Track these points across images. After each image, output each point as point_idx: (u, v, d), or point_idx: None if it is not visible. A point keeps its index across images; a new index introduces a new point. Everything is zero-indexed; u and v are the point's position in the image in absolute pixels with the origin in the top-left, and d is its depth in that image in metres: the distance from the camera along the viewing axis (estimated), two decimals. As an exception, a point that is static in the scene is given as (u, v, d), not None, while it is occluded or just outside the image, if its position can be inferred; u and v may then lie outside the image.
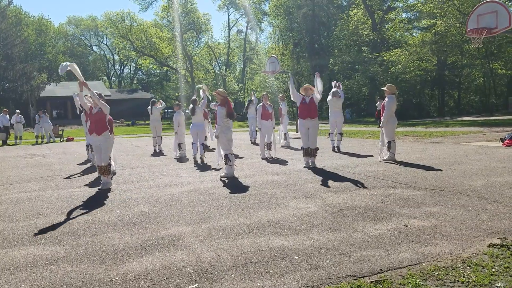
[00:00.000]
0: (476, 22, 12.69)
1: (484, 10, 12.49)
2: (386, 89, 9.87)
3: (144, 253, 4.13)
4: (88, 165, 11.24)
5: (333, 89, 12.07)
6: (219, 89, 8.91)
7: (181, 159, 11.74)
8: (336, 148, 12.26)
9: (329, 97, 12.20)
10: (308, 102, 9.40)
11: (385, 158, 9.75)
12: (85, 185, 8.10)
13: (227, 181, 7.99)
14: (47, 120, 21.33)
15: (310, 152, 9.31)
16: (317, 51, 45.74)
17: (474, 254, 3.82)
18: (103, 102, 7.51)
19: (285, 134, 14.71)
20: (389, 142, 9.73)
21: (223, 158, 8.49)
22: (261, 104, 11.77)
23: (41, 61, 53.79)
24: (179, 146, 12.15)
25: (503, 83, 39.58)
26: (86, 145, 12.48)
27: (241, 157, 11.61)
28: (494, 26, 12.21)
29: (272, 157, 11.21)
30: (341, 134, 12.45)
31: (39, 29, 58.52)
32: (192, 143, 11.13)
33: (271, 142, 11.37)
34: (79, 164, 11.50)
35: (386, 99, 9.76)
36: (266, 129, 11.35)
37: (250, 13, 56.56)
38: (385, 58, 33.20)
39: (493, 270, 3.46)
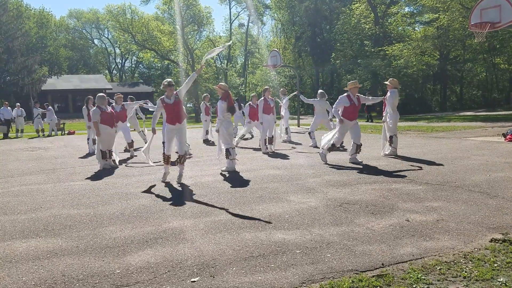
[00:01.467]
0: (479, 16, 12.63)
1: (488, 4, 12.41)
2: (388, 83, 9.82)
3: (146, 246, 4.13)
4: (89, 158, 11.23)
5: (320, 91, 12.28)
6: (220, 83, 8.87)
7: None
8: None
9: (317, 98, 12.24)
10: (357, 103, 8.91)
11: (387, 152, 9.74)
12: (87, 178, 8.10)
13: (228, 175, 7.99)
14: (53, 113, 21.43)
15: (358, 149, 8.97)
16: (319, 45, 45.61)
17: (476, 249, 3.81)
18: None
19: (286, 128, 14.67)
20: (391, 137, 9.71)
21: (224, 152, 8.48)
22: (262, 98, 11.72)
23: (42, 54, 53.63)
24: None
25: (506, 78, 39.44)
26: (87, 138, 12.49)
27: (242, 151, 11.59)
28: (497, 21, 12.15)
29: (273, 151, 11.19)
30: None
31: (40, 22, 58.38)
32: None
33: (272, 137, 11.34)
34: (80, 158, 11.49)
35: (388, 94, 9.72)
36: (268, 123, 11.30)
37: (252, 7, 56.34)
38: (387, 52, 33.07)
39: (495, 265, 3.45)
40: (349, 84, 9.04)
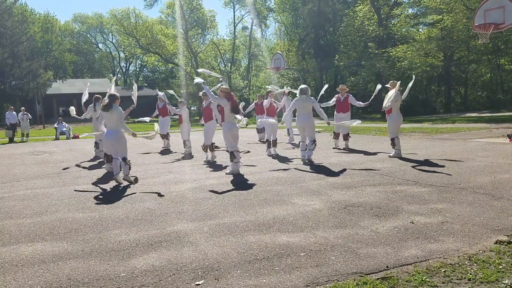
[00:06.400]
0: (483, 17, 12.63)
1: (491, 5, 12.41)
2: (389, 86, 9.90)
3: (151, 249, 4.14)
4: (95, 162, 11.28)
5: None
6: (222, 86, 8.87)
7: (186, 156, 11.77)
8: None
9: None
10: None
11: (391, 155, 9.72)
12: (92, 183, 8.14)
13: (232, 177, 7.99)
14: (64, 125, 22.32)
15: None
16: (323, 47, 45.57)
17: (481, 251, 3.80)
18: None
19: (288, 129, 14.63)
20: (392, 139, 9.71)
21: (229, 155, 8.49)
22: (266, 100, 11.76)
23: (47, 58, 54.05)
24: (184, 143, 12.18)
25: (510, 79, 39.18)
26: (95, 142, 12.37)
27: (246, 154, 11.61)
28: (501, 22, 12.15)
29: (277, 153, 11.19)
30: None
31: (45, 26, 58.82)
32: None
33: (276, 140, 11.33)
34: (85, 161, 11.54)
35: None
36: (271, 127, 11.29)
37: (255, 10, 56.42)
38: (391, 54, 32.99)
39: (500, 267, 3.44)
40: None
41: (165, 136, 13.97)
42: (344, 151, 11.45)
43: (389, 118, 9.84)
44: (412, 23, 40.70)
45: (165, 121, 14.11)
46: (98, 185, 7.85)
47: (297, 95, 9.69)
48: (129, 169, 7.74)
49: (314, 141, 9.58)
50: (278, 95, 13.35)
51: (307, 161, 9.37)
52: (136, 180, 7.99)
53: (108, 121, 7.81)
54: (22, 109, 22.21)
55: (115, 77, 10.98)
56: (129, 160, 7.82)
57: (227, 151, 8.64)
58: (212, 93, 8.62)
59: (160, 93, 14.03)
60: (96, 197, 6.70)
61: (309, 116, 9.51)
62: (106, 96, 7.98)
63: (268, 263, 3.70)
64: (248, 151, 12.49)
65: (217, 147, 11.06)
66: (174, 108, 12.63)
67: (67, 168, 10.31)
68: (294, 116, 10.57)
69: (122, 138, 7.72)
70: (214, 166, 9.69)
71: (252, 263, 3.71)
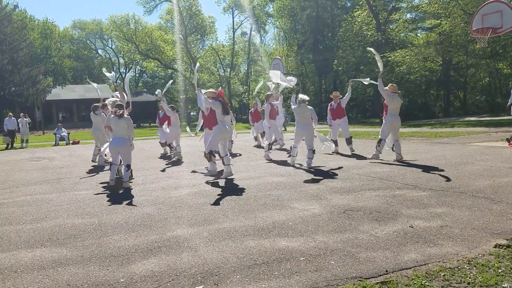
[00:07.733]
0: (481, 22, 12.69)
1: (489, 10, 12.48)
2: (387, 88, 9.95)
3: (150, 255, 4.14)
4: (94, 167, 11.27)
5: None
6: (209, 90, 8.99)
7: (176, 155, 12.07)
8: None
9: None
10: None
11: (369, 157, 9.78)
12: (91, 188, 8.13)
13: (232, 182, 7.99)
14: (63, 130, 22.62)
15: None
16: (322, 52, 45.73)
17: (480, 255, 3.80)
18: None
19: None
20: (380, 140, 9.78)
21: (207, 155, 8.58)
22: (268, 103, 11.85)
23: (47, 64, 54.15)
24: (169, 146, 12.36)
25: (509, 83, 39.33)
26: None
27: (245, 159, 11.61)
28: (499, 26, 12.21)
29: (271, 158, 11.23)
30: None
31: (44, 32, 59.01)
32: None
33: (273, 142, 11.46)
34: (85, 167, 11.53)
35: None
36: (274, 128, 11.43)
37: (254, 15, 56.64)
38: (389, 58, 33.10)
39: (499, 270, 3.44)
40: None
41: (164, 144, 14.13)
42: (341, 155, 11.46)
43: (384, 119, 9.95)
44: (411, 28, 40.91)
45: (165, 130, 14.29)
46: (98, 190, 7.84)
47: (297, 103, 9.65)
48: (131, 176, 7.87)
49: (313, 150, 9.55)
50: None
51: (310, 168, 9.33)
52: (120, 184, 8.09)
53: (116, 128, 7.90)
54: (21, 114, 22.23)
55: (111, 74, 10.13)
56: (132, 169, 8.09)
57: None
58: (204, 97, 8.55)
59: (158, 92, 13.98)
60: (95, 203, 6.69)
61: (308, 124, 9.50)
62: (107, 102, 8.22)
63: (267, 268, 3.70)
64: (240, 154, 12.55)
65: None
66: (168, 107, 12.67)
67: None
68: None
69: (129, 147, 7.98)
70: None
71: (252, 268, 3.71)
